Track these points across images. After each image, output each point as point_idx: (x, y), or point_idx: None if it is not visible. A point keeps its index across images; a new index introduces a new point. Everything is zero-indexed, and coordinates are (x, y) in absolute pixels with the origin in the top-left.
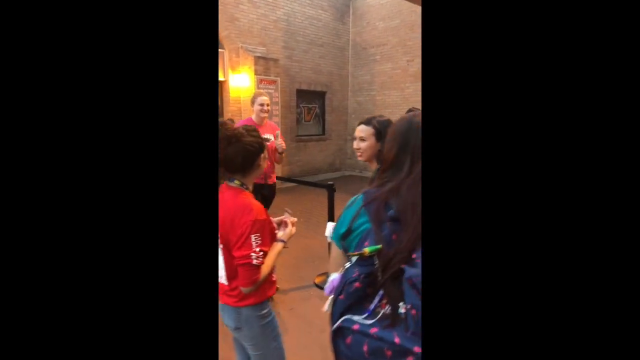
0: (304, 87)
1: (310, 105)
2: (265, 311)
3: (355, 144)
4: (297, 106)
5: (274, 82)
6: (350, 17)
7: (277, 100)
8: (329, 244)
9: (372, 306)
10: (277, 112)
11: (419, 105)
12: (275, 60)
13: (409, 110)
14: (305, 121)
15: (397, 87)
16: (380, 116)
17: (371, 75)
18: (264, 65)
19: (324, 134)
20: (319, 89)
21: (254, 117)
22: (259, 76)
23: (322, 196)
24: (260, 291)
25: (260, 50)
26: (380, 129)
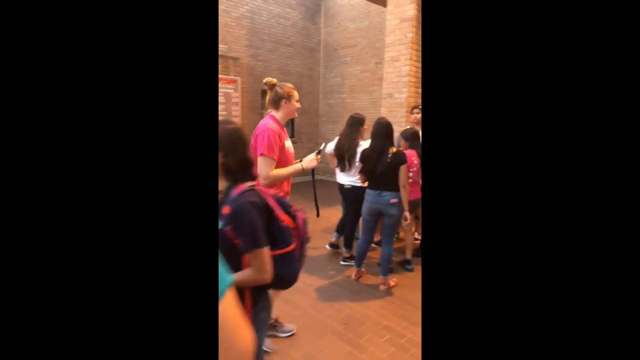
0: None
1: None
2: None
3: None
4: (263, 107)
5: (234, 81)
6: (322, 17)
7: (236, 100)
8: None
9: None
10: (237, 113)
11: (382, 111)
12: (235, 59)
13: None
14: None
15: (365, 90)
16: (228, 122)
17: (342, 77)
18: (223, 63)
19: (293, 136)
20: None
21: (279, 115)
22: None
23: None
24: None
25: (222, 48)
26: (221, 138)
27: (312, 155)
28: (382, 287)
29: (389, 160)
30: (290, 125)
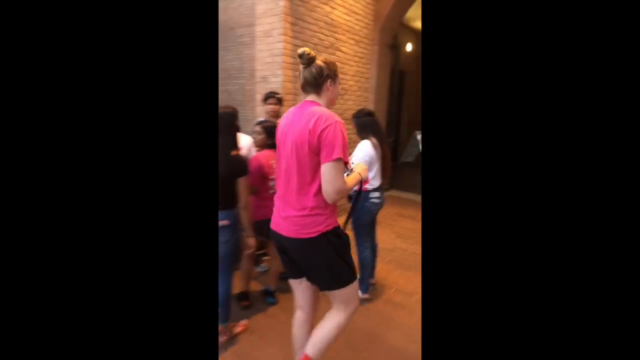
0: None
1: None
2: None
3: None
4: None
5: None
6: None
7: None
8: None
9: None
10: None
11: (257, 98)
12: None
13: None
14: None
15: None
16: None
17: (240, 60)
18: None
19: None
20: None
21: (322, 102)
22: None
23: None
24: None
25: None
26: None
27: (363, 164)
28: (221, 339)
29: (224, 167)
30: None
